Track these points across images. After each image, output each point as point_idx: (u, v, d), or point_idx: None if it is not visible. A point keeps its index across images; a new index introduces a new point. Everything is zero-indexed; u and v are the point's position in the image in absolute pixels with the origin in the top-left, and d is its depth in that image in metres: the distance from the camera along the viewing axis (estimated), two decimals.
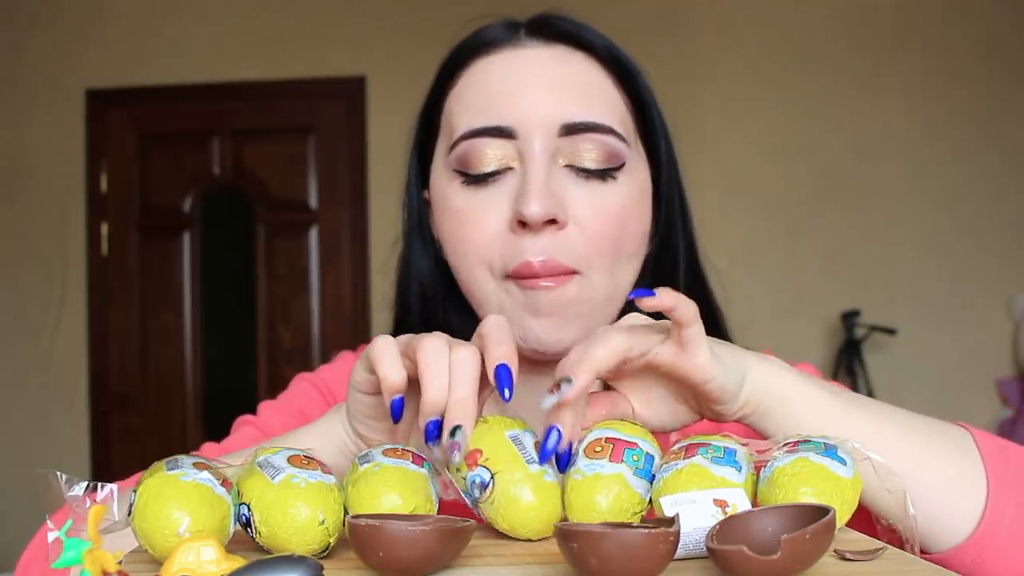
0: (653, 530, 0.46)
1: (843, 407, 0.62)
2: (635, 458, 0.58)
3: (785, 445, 0.58)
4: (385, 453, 0.60)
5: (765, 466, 0.58)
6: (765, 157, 3.44)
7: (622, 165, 0.75)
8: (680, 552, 0.51)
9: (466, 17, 0.80)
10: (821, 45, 3.45)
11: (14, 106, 3.67)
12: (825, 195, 3.42)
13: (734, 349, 0.62)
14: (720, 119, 3.45)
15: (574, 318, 0.74)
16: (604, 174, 0.74)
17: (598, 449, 0.59)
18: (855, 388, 3.20)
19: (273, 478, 0.55)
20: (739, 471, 0.57)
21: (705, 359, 0.58)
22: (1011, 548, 0.60)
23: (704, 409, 0.63)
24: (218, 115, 3.64)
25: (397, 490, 0.56)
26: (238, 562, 0.45)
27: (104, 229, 3.67)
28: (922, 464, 0.61)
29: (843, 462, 0.56)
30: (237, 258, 3.66)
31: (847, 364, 3.28)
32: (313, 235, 3.62)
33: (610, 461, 0.58)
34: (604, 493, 0.57)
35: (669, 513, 0.54)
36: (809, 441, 0.58)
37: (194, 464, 0.55)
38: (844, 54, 3.44)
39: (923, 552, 0.62)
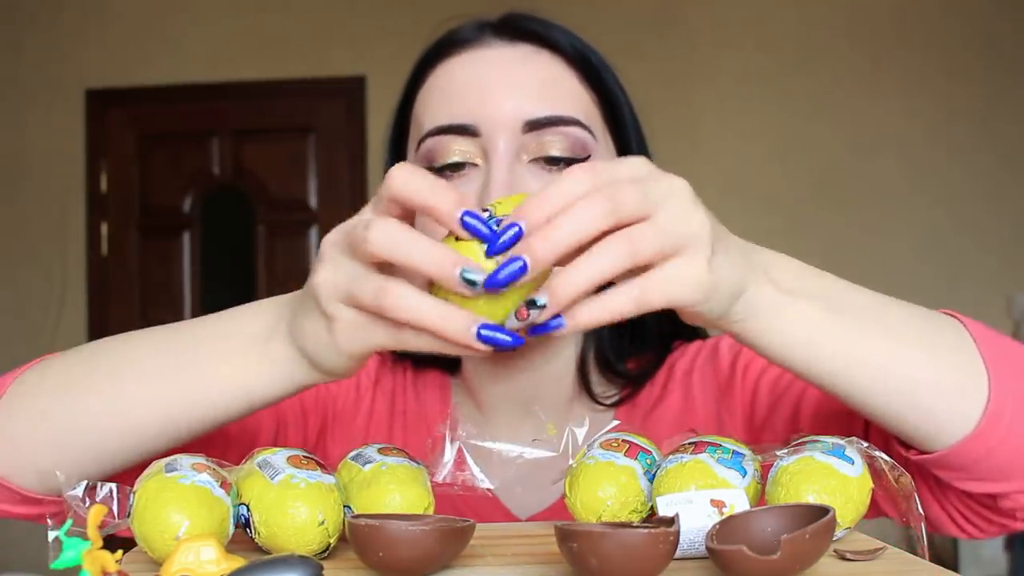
0: (653, 530, 0.46)
1: (841, 324, 0.58)
2: (648, 461, 0.61)
3: (793, 446, 0.59)
4: (381, 452, 0.61)
5: (772, 467, 0.58)
6: (763, 156, 3.44)
7: (587, 157, 0.75)
8: (676, 552, 0.51)
9: (466, 17, 0.81)
10: (819, 44, 3.45)
11: (14, 106, 3.67)
12: (823, 194, 3.42)
13: (736, 264, 0.55)
14: (718, 118, 3.45)
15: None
16: (570, 164, 0.74)
17: (614, 445, 0.61)
18: None
19: (272, 478, 0.55)
20: (743, 476, 0.57)
21: (688, 292, 0.51)
22: (1010, 438, 0.60)
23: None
24: (218, 115, 3.64)
25: (412, 489, 0.58)
26: (238, 562, 0.45)
27: (104, 229, 3.67)
28: (924, 367, 0.59)
29: (850, 461, 0.56)
30: (237, 258, 3.66)
31: None
32: (313, 235, 3.62)
33: (625, 456, 0.60)
34: (614, 481, 0.58)
35: (666, 513, 0.54)
36: (817, 441, 0.58)
37: (192, 465, 0.55)
38: (842, 52, 3.44)
39: (925, 452, 0.61)
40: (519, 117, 0.74)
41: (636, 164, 0.53)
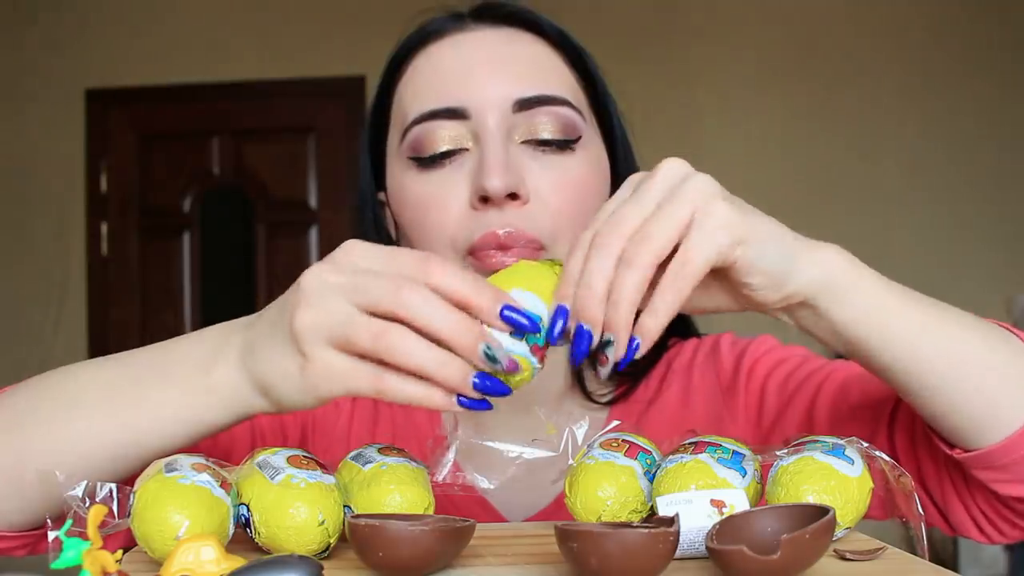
0: (653, 530, 0.46)
1: (902, 301, 0.59)
2: (648, 461, 0.61)
3: (793, 445, 0.59)
4: (382, 452, 0.61)
5: (772, 467, 0.58)
6: (764, 157, 3.44)
7: (579, 138, 0.74)
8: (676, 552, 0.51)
9: (442, 10, 0.80)
10: (820, 44, 3.45)
11: (14, 106, 3.66)
12: (824, 194, 3.42)
13: (782, 241, 0.56)
14: (718, 119, 3.45)
15: None
16: (562, 145, 0.73)
17: (614, 445, 0.61)
18: None
19: (273, 478, 0.55)
20: (743, 476, 0.57)
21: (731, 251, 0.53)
22: None
23: (739, 296, 0.58)
24: (218, 115, 3.64)
25: (412, 489, 0.58)
26: (238, 562, 0.45)
27: (104, 229, 3.67)
28: (983, 354, 0.59)
29: (850, 461, 0.56)
30: (237, 258, 3.66)
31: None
32: (313, 235, 3.62)
33: (625, 455, 0.60)
34: (614, 481, 0.58)
35: (666, 513, 0.54)
36: (817, 441, 0.58)
37: (192, 465, 0.55)
38: (843, 53, 3.44)
39: (969, 450, 0.61)
40: (509, 97, 0.73)
41: (652, 194, 0.54)
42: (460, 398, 0.52)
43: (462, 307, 0.51)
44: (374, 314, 0.51)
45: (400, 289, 0.50)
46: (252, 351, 0.56)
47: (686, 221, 0.52)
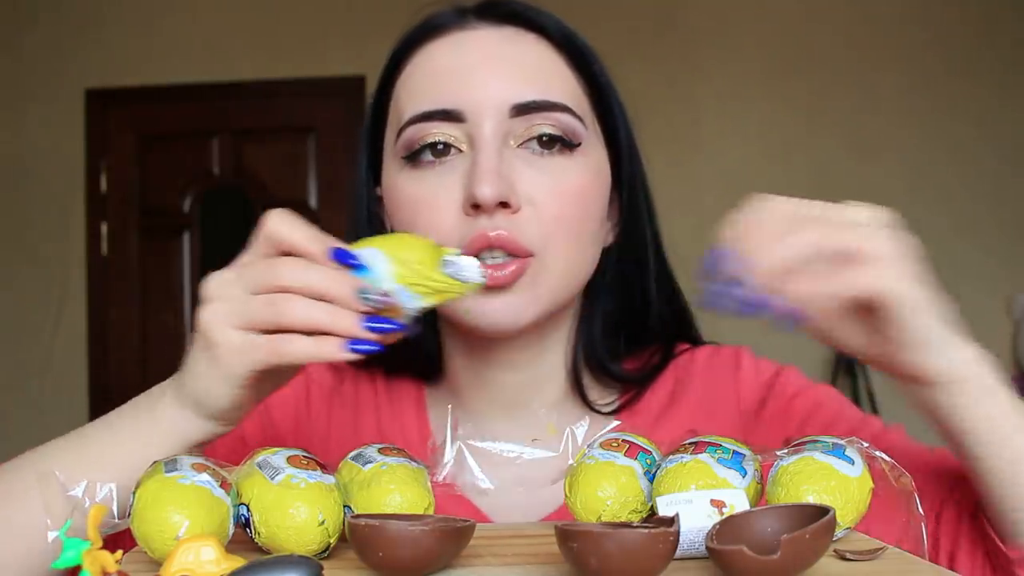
0: (653, 530, 0.46)
1: (1020, 415, 0.62)
2: (648, 461, 0.61)
3: (793, 446, 0.59)
4: (382, 452, 0.61)
5: (772, 467, 0.58)
6: (763, 157, 3.44)
7: (578, 144, 0.73)
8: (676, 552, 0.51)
9: (446, 4, 0.79)
10: (819, 43, 3.45)
11: (14, 106, 3.67)
12: (823, 195, 3.34)
13: (941, 320, 0.62)
14: (718, 119, 3.45)
15: (530, 300, 0.71)
16: (559, 150, 0.72)
17: (614, 445, 0.61)
18: (855, 389, 3.20)
19: (272, 478, 0.55)
20: (743, 476, 0.57)
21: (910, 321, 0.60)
22: None
23: (889, 358, 0.62)
24: (218, 115, 3.64)
25: (412, 489, 0.58)
26: (238, 562, 0.45)
27: (104, 229, 3.67)
28: None
29: (850, 461, 0.56)
30: (237, 258, 3.66)
31: (847, 364, 3.28)
32: None
33: (625, 456, 0.60)
34: (614, 481, 0.58)
35: (666, 513, 0.54)
36: (817, 441, 0.58)
37: (192, 465, 0.55)
38: (842, 53, 3.44)
39: None
40: (506, 100, 0.71)
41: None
42: (352, 345, 0.57)
43: (297, 253, 0.59)
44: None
45: (273, 265, 0.58)
46: (182, 376, 0.63)
47: (863, 252, 0.56)
